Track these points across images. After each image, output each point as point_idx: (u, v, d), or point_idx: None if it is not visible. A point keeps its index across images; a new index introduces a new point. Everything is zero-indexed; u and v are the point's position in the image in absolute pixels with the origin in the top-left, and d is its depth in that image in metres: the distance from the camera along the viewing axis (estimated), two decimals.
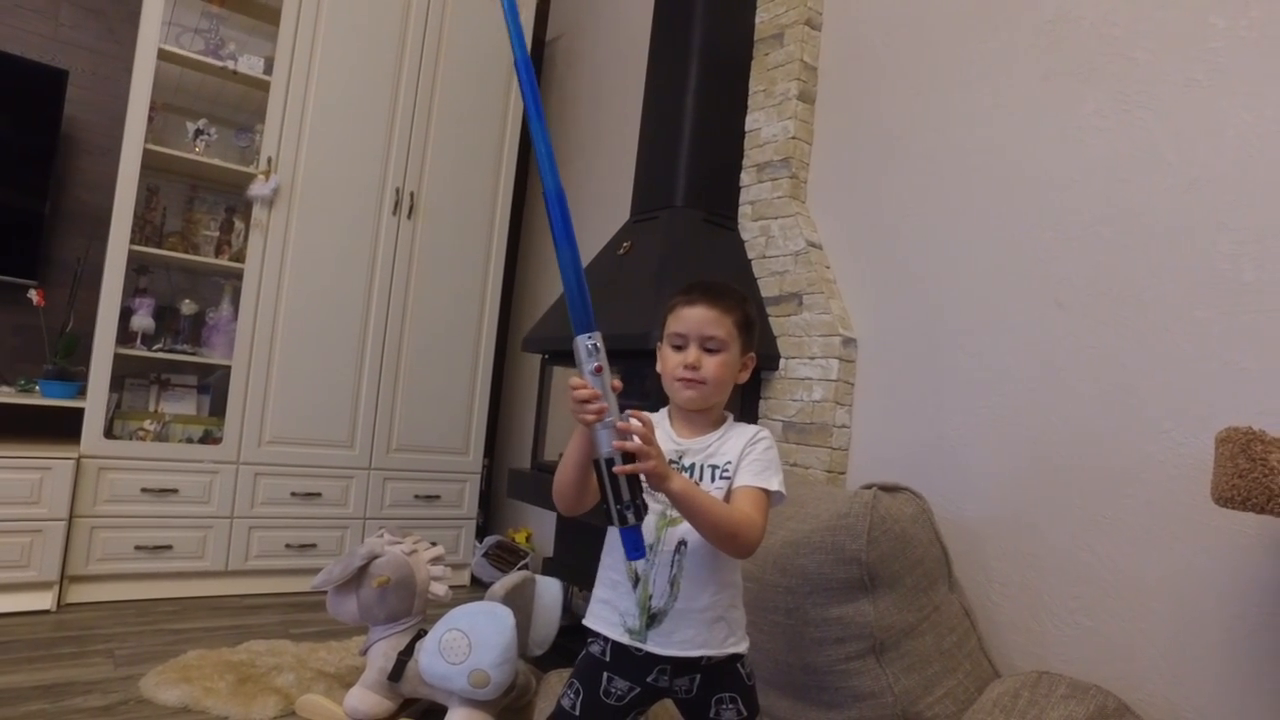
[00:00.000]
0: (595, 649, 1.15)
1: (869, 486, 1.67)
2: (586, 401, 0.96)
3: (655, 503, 1.06)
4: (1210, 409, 1.47)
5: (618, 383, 0.99)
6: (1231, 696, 1.40)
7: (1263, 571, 1.38)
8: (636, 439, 0.95)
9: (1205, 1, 1.57)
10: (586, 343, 0.97)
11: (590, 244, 3.10)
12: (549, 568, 2.44)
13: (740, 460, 1.11)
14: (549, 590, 1.98)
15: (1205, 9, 1.57)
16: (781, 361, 2.25)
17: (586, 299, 0.98)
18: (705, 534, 1.04)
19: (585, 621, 1.17)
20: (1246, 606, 1.40)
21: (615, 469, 0.95)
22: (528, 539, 3.30)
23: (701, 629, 1.09)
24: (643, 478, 0.97)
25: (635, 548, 1.00)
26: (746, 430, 1.16)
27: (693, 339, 1.13)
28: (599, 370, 0.97)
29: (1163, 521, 1.52)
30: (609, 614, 1.13)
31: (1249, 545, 1.40)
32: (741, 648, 1.14)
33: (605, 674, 1.12)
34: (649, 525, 1.06)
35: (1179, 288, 1.55)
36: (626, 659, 1.11)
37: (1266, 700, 1.36)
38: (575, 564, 2.35)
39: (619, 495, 0.96)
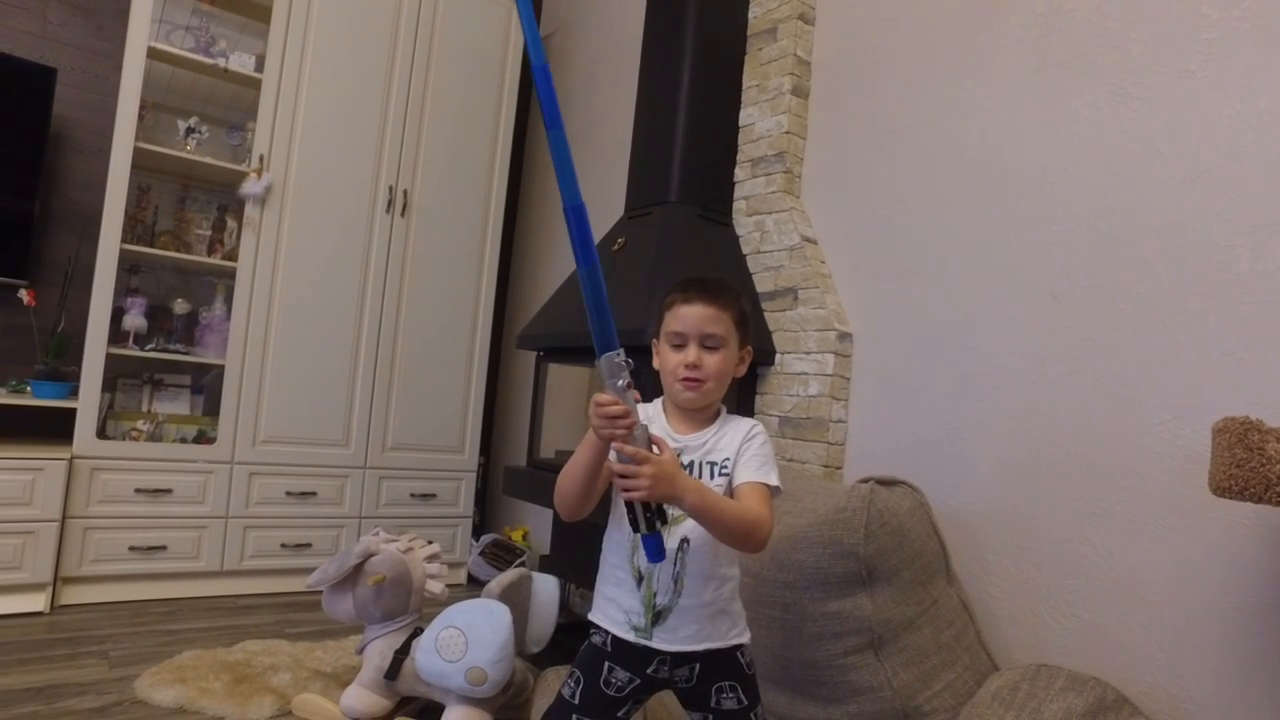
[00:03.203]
0: (597, 640, 1.16)
1: (866, 480, 1.67)
2: (617, 417, 0.95)
3: None
4: (1206, 400, 1.47)
5: (638, 394, 1.00)
6: (1230, 687, 1.40)
7: (1260, 561, 1.38)
8: (639, 479, 0.95)
9: None
10: (615, 359, 0.96)
11: None
12: (546, 565, 2.43)
13: (739, 456, 1.11)
14: (545, 587, 1.97)
15: None
16: (777, 357, 2.24)
17: (608, 316, 0.96)
18: (721, 536, 1.04)
19: (590, 615, 1.17)
20: (1244, 597, 1.40)
21: (624, 498, 0.97)
22: (524, 537, 3.29)
23: (705, 623, 1.10)
24: None
25: (658, 552, 1.02)
26: (742, 424, 1.16)
27: (692, 337, 1.12)
28: (629, 386, 0.97)
29: (1160, 513, 1.52)
30: (614, 611, 1.13)
31: (1246, 536, 1.40)
32: (744, 638, 1.15)
33: (606, 664, 1.13)
34: None
35: (1174, 279, 1.55)
36: (627, 650, 1.12)
37: (1265, 690, 1.36)
38: (572, 561, 2.35)
39: (647, 505, 0.98)
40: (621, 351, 0.97)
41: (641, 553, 1.05)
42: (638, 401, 0.99)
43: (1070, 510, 1.66)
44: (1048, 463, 1.70)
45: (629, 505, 0.99)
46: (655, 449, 0.99)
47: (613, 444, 0.98)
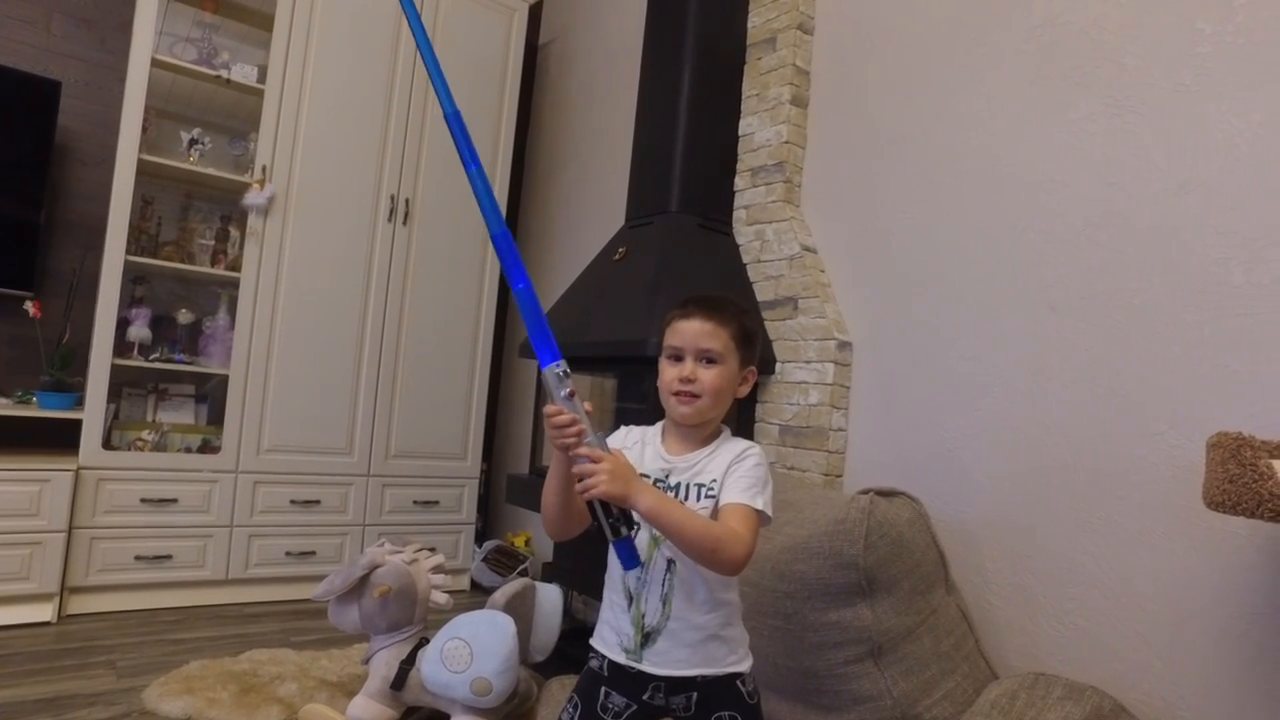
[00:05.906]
0: (594, 664, 1.15)
1: (866, 491, 1.69)
2: (566, 425, 0.98)
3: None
4: (1202, 412, 1.49)
5: (589, 405, 1.01)
6: (1226, 695, 1.42)
7: (1255, 572, 1.40)
8: (596, 474, 0.96)
9: (1193, 7, 1.58)
10: (556, 370, 1.00)
11: (585, 250, 3.11)
12: (548, 572, 2.45)
13: (725, 476, 1.09)
14: (549, 597, 1.99)
15: (1193, 14, 1.58)
16: (777, 366, 2.26)
17: (547, 329, 1.01)
18: (684, 550, 1.01)
19: (591, 641, 1.17)
20: (1240, 606, 1.41)
21: (585, 497, 1.00)
22: (527, 543, 3.31)
23: (697, 648, 1.08)
24: None
25: (631, 557, 1.02)
26: (736, 446, 1.13)
27: (689, 351, 1.11)
28: (572, 395, 1.00)
29: (1156, 523, 1.54)
30: (608, 634, 1.13)
31: (1241, 546, 1.42)
32: (743, 667, 1.12)
33: (603, 689, 1.12)
34: (641, 544, 1.06)
35: (1169, 291, 1.56)
36: (623, 675, 1.10)
37: (1260, 699, 1.38)
38: (574, 568, 2.36)
39: (608, 510, 1.00)
40: (562, 362, 1.01)
41: (633, 571, 1.05)
42: (588, 412, 1.01)
43: (1068, 520, 1.67)
44: (1045, 473, 1.72)
45: (594, 515, 1.01)
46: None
47: (569, 451, 1.00)
